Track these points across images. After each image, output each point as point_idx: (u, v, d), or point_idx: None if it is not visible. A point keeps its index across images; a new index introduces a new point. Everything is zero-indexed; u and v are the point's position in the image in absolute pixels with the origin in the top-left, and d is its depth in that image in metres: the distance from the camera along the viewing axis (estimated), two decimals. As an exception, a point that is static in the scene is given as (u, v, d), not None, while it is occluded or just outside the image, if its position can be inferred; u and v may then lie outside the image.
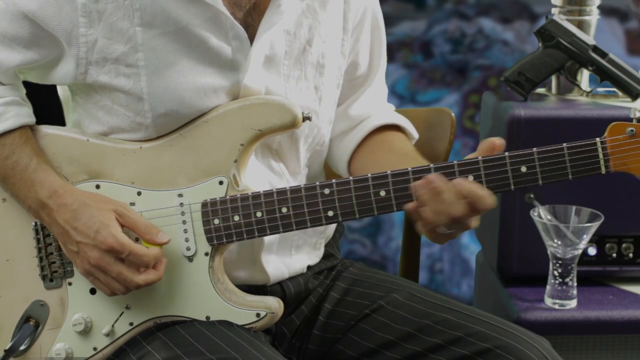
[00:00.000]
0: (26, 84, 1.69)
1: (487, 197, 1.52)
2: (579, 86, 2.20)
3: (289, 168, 1.72)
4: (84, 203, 1.59)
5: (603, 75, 2.15)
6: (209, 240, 1.61)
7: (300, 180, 1.74)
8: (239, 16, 1.63)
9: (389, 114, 1.85)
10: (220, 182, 1.61)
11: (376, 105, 1.85)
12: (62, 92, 1.75)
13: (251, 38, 1.63)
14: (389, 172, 1.56)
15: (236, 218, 1.60)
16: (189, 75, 1.60)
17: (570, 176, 1.53)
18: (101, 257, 1.56)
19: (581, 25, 2.19)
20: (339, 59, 1.75)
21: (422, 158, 1.71)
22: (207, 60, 1.60)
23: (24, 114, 1.64)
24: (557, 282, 2.02)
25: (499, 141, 1.56)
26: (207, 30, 1.59)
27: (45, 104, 1.74)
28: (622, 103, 2.16)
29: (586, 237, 1.97)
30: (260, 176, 1.67)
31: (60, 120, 1.75)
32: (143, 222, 1.60)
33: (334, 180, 1.58)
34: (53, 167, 1.63)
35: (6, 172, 1.62)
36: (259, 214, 1.59)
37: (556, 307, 2.03)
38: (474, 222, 1.55)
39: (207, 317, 1.61)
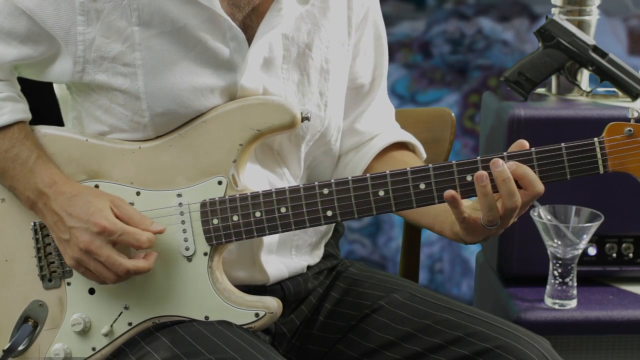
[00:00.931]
0: (24, 81, 1.69)
1: (538, 181, 1.52)
2: (579, 86, 2.20)
3: (290, 169, 1.72)
4: (81, 192, 1.59)
5: (603, 75, 2.15)
6: (208, 240, 1.61)
7: (301, 183, 1.74)
8: (238, 17, 1.63)
9: (399, 132, 1.85)
10: (219, 182, 1.61)
11: (385, 122, 1.85)
12: (59, 90, 1.75)
13: (249, 39, 1.62)
14: (387, 172, 1.56)
15: (235, 218, 1.59)
16: (186, 75, 1.60)
17: (568, 176, 1.53)
18: (91, 240, 1.56)
19: (581, 25, 2.19)
20: (345, 65, 1.75)
21: None
22: (205, 60, 1.60)
23: (20, 110, 1.64)
24: (557, 282, 2.02)
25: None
26: (204, 31, 1.59)
27: (44, 102, 1.74)
28: (622, 103, 2.16)
29: (586, 237, 1.96)
30: (261, 177, 1.67)
31: (58, 119, 1.75)
32: (138, 213, 1.60)
33: (332, 180, 1.58)
34: (52, 161, 1.63)
35: (6, 165, 1.62)
36: (257, 214, 1.59)
37: (556, 307, 2.03)
38: (515, 218, 1.56)
39: (206, 317, 1.61)
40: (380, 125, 1.83)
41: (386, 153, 1.81)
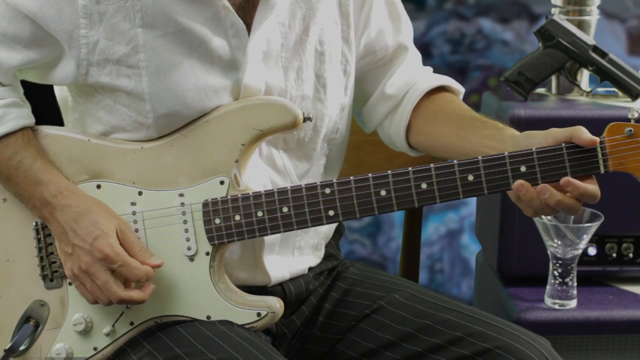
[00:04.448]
0: (23, 83, 1.69)
1: (596, 192, 1.55)
2: (579, 86, 2.20)
3: (299, 163, 1.71)
4: (89, 209, 1.59)
5: (603, 75, 2.16)
6: (210, 239, 1.61)
7: (313, 172, 1.74)
8: (240, 15, 1.62)
9: (431, 77, 1.82)
10: (221, 182, 1.61)
11: (415, 73, 1.82)
12: (59, 92, 1.74)
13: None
14: (389, 171, 1.57)
15: (237, 218, 1.60)
16: (190, 76, 1.60)
17: (569, 176, 1.53)
18: (92, 263, 1.56)
19: (581, 25, 2.20)
20: (341, 45, 1.74)
21: (478, 114, 1.72)
22: (208, 60, 1.60)
23: (24, 115, 1.64)
24: (557, 282, 2.02)
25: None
26: (207, 29, 1.59)
27: (43, 104, 1.74)
28: (622, 103, 2.16)
29: (586, 237, 1.97)
30: (263, 175, 1.68)
31: (58, 120, 1.75)
32: (140, 243, 1.60)
33: (334, 180, 1.58)
34: (56, 167, 1.63)
35: (10, 172, 1.62)
36: (260, 214, 1.59)
37: (556, 307, 2.03)
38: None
39: (208, 317, 1.61)
40: (411, 77, 1.81)
41: (424, 103, 1.78)
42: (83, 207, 1.59)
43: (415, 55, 1.85)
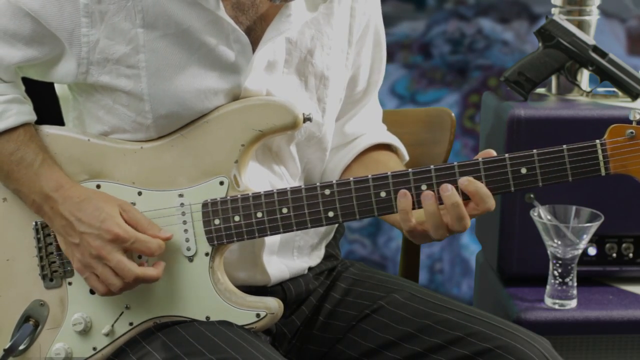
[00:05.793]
0: (25, 81, 1.69)
1: (491, 197, 1.54)
2: (579, 86, 2.20)
3: (289, 170, 1.72)
4: (89, 197, 1.59)
5: (603, 75, 2.15)
6: (210, 240, 1.61)
7: (300, 183, 1.74)
8: (242, 21, 1.62)
9: (383, 134, 1.86)
10: (221, 183, 1.61)
11: (371, 124, 1.86)
12: (61, 90, 1.75)
13: (253, 42, 1.62)
14: (389, 173, 1.57)
15: (237, 218, 1.60)
16: (190, 77, 1.59)
17: (570, 178, 1.53)
18: (103, 246, 1.56)
19: (581, 25, 2.19)
20: (343, 72, 1.75)
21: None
22: (208, 62, 1.60)
23: (26, 112, 1.65)
24: (557, 282, 2.02)
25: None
26: (208, 33, 1.59)
27: (44, 102, 1.74)
28: (622, 103, 2.16)
29: (586, 237, 1.97)
30: (262, 178, 1.68)
31: (58, 118, 1.75)
32: (146, 218, 1.60)
33: (334, 181, 1.58)
34: (57, 164, 1.63)
35: (10, 168, 1.62)
36: (259, 215, 1.59)
37: (556, 307, 2.03)
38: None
39: (207, 318, 1.61)
40: (366, 127, 1.84)
41: (367, 154, 1.82)
42: (83, 196, 1.59)
43: (378, 106, 1.89)
